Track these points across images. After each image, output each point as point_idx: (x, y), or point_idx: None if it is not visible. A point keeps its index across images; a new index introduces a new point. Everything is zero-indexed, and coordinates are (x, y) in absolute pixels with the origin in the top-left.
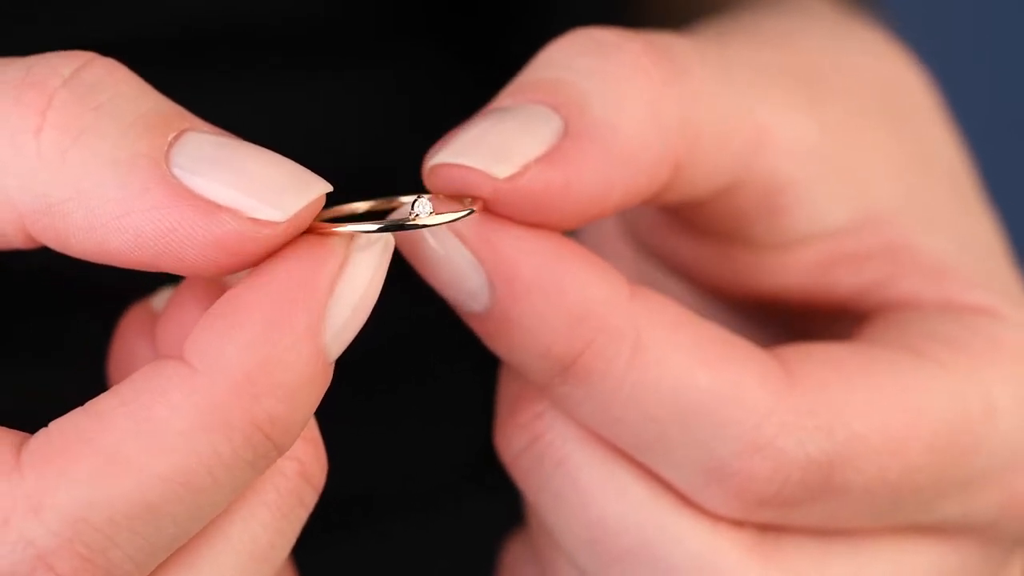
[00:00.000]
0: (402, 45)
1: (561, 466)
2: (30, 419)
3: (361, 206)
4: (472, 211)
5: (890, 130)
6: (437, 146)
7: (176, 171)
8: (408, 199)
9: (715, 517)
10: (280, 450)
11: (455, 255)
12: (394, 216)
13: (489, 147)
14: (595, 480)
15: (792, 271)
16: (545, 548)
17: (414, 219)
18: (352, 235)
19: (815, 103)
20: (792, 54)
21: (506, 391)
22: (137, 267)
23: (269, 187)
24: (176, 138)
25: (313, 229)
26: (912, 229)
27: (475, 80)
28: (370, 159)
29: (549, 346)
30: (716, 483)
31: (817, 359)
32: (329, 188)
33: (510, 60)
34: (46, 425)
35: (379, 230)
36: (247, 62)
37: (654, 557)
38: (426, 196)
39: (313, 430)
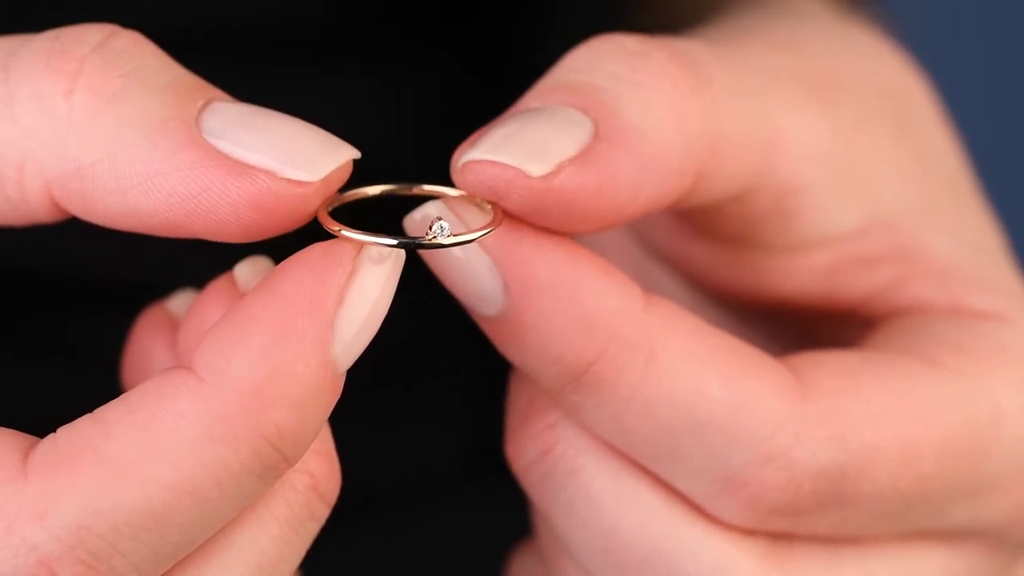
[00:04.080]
0: (397, 50)
1: (573, 477)
2: (31, 419)
3: (375, 189)
4: (492, 230)
5: (894, 134)
6: (467, 143)
7: (207, 135)
8: (430, 188)
9: (728, 526)
10: (289, 462)
11: (473, 257)
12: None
13: (523, 145)
14: (608, 490)
15: (801, 275)
16: (555, 558)
17: (432, 240)
18: (361, 243)
19: (825, 107)
20: (801, 58)
21: (517, 402)
22: (165, 231)
23: (301, 150)
24: (205, 105)
25: (325, 224)
26: (920, 233)
27: (470, 85)
28: (365, 161)
29: (561, 352)
30: (729, 493)
31: (829, 368)
32: (357, 154)
33: (506, 66)
34: (47, 425)
35: (396, 246)
36: (244, 65)
37: (668, 567)
38: (444, 221)
39: (327, 444)
